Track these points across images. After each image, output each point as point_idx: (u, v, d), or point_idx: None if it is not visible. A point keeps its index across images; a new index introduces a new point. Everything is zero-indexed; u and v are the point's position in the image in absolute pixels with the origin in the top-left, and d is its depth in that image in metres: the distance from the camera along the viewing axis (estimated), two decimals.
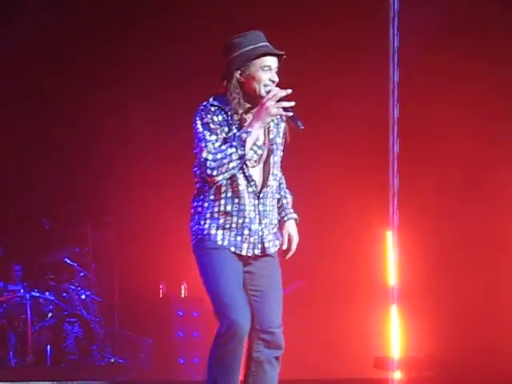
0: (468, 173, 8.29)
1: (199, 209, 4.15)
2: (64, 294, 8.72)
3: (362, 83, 8.15)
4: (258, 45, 4.07)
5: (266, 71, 4.05)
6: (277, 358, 4.17)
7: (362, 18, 8.24)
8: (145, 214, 9.10)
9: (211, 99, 4.11)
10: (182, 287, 9.06)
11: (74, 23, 9.12)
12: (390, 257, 7.16)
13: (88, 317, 8.60)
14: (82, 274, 8.96)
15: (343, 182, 8.48)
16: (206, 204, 4.13)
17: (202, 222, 4.12)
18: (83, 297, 8.81)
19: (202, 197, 4.15)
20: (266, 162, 4.17)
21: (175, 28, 8.89)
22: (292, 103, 3.98)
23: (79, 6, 9.08)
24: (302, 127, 4.02)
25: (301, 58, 8.19)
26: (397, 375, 6.84)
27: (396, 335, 7.21)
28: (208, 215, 4.11)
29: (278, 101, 3.98)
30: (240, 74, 4.06)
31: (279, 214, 4.33)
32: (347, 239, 8.38)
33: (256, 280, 4.17)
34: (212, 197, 4.11)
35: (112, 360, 8.60)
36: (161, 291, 9.13)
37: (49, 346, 8.30)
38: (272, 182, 4.19)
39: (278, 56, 4.11)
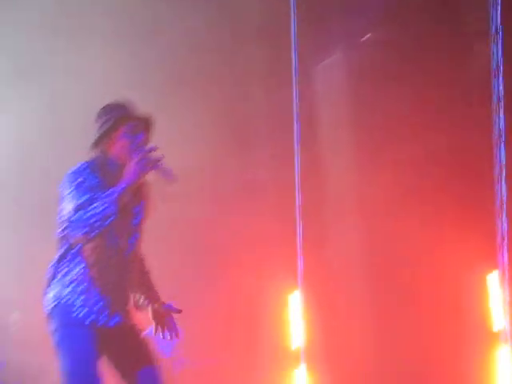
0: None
1: (58, 274, 4.19)
2: None
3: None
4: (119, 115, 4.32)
5: (132, 135, 4.30)
6: None
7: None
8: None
9: (85, 162, 4.28)
10: None
11: None
12: (294, 318, 7.14)
13: None
14: None
15: (247, 243, 8.50)
16: (66, 269, 4.17)
17: (60, 288, 4.15)
18: None
19: (63, 261, 4.19)
20: (132, 226, 4.29)
21: None
22: (160, 156, 4.17)
23: None
24: (173, 177, 4.19)
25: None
26: None
27: None
28: (68, 281, 4.15)
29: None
30: (108, 140, 4.30)
31: (147, 294, 4.48)
32: (249, 301, 8.34)
33: (116, 353, 4.21)
34: (74, 261, 4.16)
35: None
36: None
37: None
38: (135, 247, 4.32)
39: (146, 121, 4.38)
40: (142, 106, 4.46)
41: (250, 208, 8.41)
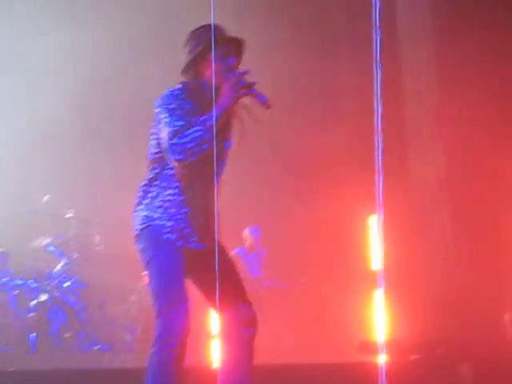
0: (454, 158, 8.27)
1: (149, 194, 4.17)
2: (47, 282, 8.67)
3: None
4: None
5: (224, 58, 4.16)
6: None
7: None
8: (130, 199, 9.00)
9: (179, 85, 4.18)
10: None
11: None
12: (374, 241, 7.15)
13: (72, 304, 8.54)
14: (65, 261, 8.90)
15: (328, 167, 8.50)
16: (158, 190, 4.16)
17: (152, 210, 4.14)
18: (67, 284, 8.75)
19: (155, 183, 4.17)
20: (226, 156, 4.25)
21: None
22: (254, 81, 4.04)
23: None
24: (266, 102, 4.04)
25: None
26: (382, 359, 6.82)
27: (381, 319, 7.19)
28: (159, 203, 4.14)
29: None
30: (200, 64, 4.18)
31: None
32: (331, 224, 8.39)
33: (205, 273, 4.15)
34: (165, 184, 4.15)
35: (97, 347, 8.55)
36: (146, 277, 9.04)
37: (33, 334, 8.24)
38: (223, 174, 4.25)
39: (232, 42, 4.22)
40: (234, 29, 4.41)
41: (333, 135, 8.45)
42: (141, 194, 4.23)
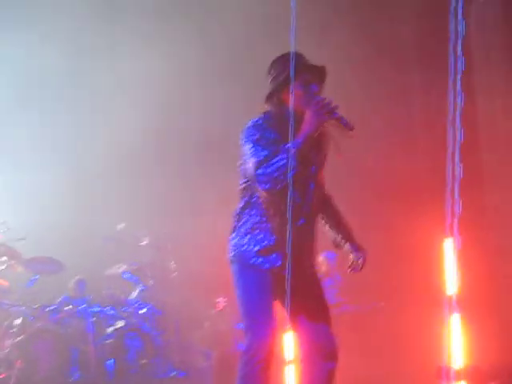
0: None
1: (240, 222, 4.37)
2: (124, 308, 8.76)
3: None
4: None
5: (307, 85, 4.30)
6: None
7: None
8: (205, 226, 9.09)
9: (262, 115, 4.33)
10: None
11: None
12: (450, 264, 7.04)
13: (148, 330, 8.61)
14: (141, 287, 8.99)
15: (399, 187, 8.45)
16: (247, 218, 4.34)
17: (241, 237, 4.35)
18: (143, 310, 8.84)
19: (245, 211, 4.36)
20: (313, 180, 4.38)
21: None
22: (336, 105, 4.17)
23: None
24: (352, 126, 4.19)
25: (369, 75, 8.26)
26: None
27: (458, 345, 7.06)
28: (249, 230, 4.32)
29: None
30: (284, 92, 4.29)
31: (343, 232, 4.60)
32: (408, 248, 8.32)
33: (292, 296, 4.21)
34: (253, 212, 4.33)
35: (173, 373, 8.60)
36: (220, 304, 9.11)
37: (110, 361, 8.33)
38: (317, 201, 4.40)
39: (314, 70, 4.36)
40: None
41: (410, 160, 8.43)
42: (233, 222, 4.44)
